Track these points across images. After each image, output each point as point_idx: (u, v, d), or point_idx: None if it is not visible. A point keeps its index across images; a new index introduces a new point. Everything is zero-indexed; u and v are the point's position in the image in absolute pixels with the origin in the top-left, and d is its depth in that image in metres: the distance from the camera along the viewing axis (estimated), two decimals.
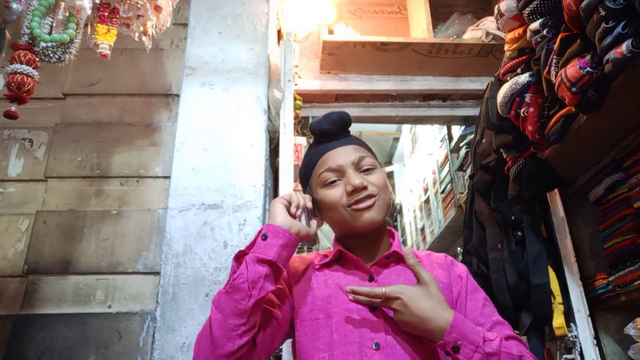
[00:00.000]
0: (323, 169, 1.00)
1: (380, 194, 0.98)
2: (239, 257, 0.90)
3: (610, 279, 1.72)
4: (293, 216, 0.95)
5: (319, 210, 1.03)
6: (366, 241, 1.01)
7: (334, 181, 0.99)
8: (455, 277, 1.01)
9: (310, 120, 2.67)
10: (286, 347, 1.61)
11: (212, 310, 0.87)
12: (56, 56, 1.17)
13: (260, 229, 0.92)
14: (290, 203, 0.96)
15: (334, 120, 1.03)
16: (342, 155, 1.00)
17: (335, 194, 0.97)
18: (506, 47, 1.77)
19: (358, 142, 1.06)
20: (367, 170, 1.00)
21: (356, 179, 0.96)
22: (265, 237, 0.89)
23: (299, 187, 2.28)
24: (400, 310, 0.87)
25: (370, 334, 0.89)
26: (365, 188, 0.96)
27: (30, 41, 1.13)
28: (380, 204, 0.97)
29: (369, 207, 0.96)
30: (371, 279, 0.97)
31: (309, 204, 0.99)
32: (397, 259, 1.01)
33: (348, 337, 0.90)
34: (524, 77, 1.60)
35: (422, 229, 4.21)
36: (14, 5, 1.07)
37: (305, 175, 1.07)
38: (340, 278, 0.99)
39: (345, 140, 1.04)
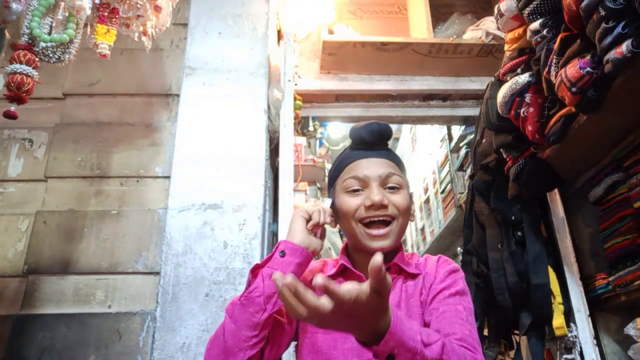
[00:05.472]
0: (349, 175, 0.99)
1: (399, 217, 0.96)
2: (255, 270, 0.92)
3: (610, 279, 1.72)
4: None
5: (335, 213, 1.02)
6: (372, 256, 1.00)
7: (356, 190, 0.98)
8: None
9: (310, 120, 2.68)
10: None
11: (226, 320, 0.89)
12: (56, 56, 1.17)
13: (277, 243, 0.94)
14: (310, 218, 0.96)
15: (373, 130, 1.02)
16: (371, 167, 0.99)
17: (353, 203, 0.96)
18: (506, 47, 1.77)
19: (393, 157, 1.04)
20: (393, 188, 0.98)
21: (377, 194, 0.94)
22: (283, 254, 0.91)
23: (299, 187, 2.28)
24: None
25: (368, 353, 0.87)
26: (384, 207, 0.94)
27: (30, 41, 1.13)
28: (395, 231, 0.96)
29: (382, 236, 0.94)
30: None
31: (328, 220, 0.99)
32: (398, 270, 1.00)
33: (347, 355, 0.90)
34: (524, 77, 1.60)
35: (422, 229, 4.21)
36: (14, 5, 1.07)
37: (333, 176, 1.06)
38: None
39: (380, 152, 1.02)
